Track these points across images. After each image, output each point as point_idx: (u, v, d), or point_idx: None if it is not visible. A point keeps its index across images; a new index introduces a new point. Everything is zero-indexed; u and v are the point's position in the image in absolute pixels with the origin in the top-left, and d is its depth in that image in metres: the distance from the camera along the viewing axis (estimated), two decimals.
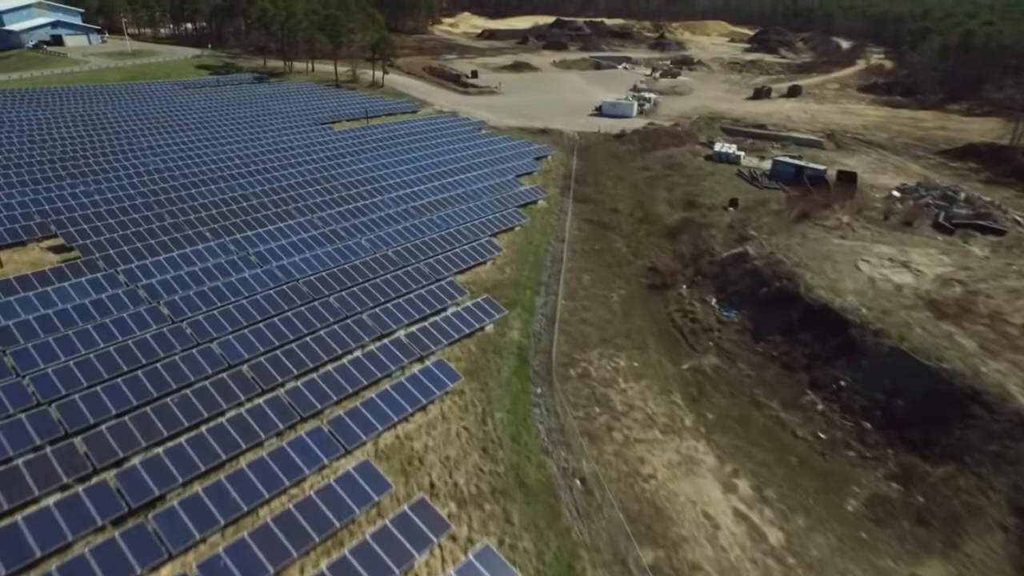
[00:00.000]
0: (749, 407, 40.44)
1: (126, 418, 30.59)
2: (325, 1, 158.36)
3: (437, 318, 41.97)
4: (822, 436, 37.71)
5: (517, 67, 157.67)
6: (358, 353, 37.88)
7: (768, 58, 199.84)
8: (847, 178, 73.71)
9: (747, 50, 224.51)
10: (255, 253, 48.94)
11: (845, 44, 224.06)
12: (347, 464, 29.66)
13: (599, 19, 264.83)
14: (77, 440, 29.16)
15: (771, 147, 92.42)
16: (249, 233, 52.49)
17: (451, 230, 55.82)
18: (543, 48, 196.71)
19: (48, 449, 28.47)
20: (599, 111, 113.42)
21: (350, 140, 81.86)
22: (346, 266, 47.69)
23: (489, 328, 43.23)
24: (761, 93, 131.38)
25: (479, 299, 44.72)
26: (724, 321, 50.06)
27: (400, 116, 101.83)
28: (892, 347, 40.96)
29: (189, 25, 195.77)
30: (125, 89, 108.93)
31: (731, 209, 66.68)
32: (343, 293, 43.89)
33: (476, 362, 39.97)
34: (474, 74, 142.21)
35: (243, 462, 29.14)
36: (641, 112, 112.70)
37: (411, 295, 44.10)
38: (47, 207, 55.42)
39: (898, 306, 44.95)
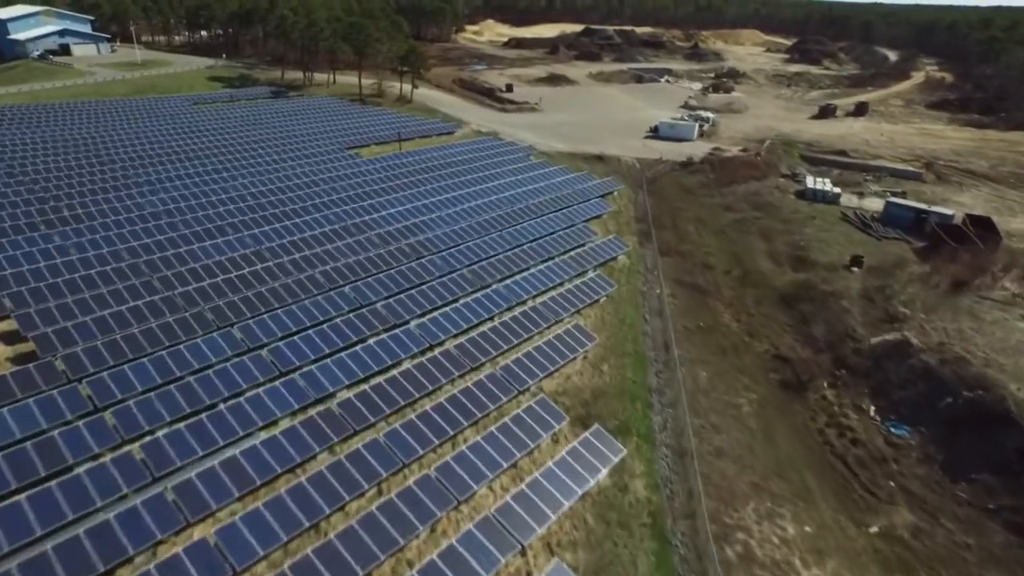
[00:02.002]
0: None
1: None
2: (348, 8, 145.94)
3: (535, 475, 28.57)
4: None
5: (552, 80, 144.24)
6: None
7: (814, 70, 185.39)
8: (982, 225, 59.65)
9: (787, 60, 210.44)
10: (270, 351, 35.74)
11: (891, 55, 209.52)
12: None
13: (628, 27, 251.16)
14: None
15: (864, 180, 78.55)
16: (264, 315, 39.33)
17: (525, 307, 42.47)
18: (575, 59, 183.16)
19: None
20: (655, 132, 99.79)
21: (382, 171, 68.70)
22: (394, 373, 34.44)
23: (604, 478, 29.82)
24: (827, 111, 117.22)
25: (587, 434, 31.25)
26: (897, 444, 36.45)
27: (435, 139, 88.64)
28: None
29: (205, 33, 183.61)
30: (129, 106, 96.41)
31: (856, 270, 52.92)
32: (397, 425, 30.59)
33: (597, 547, 26.57)
34: (509, 88, 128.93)
35: None
36: (701, 134, 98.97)
37: (489, 434, 30.63)
38: (8, 271, 42.57)
39: None
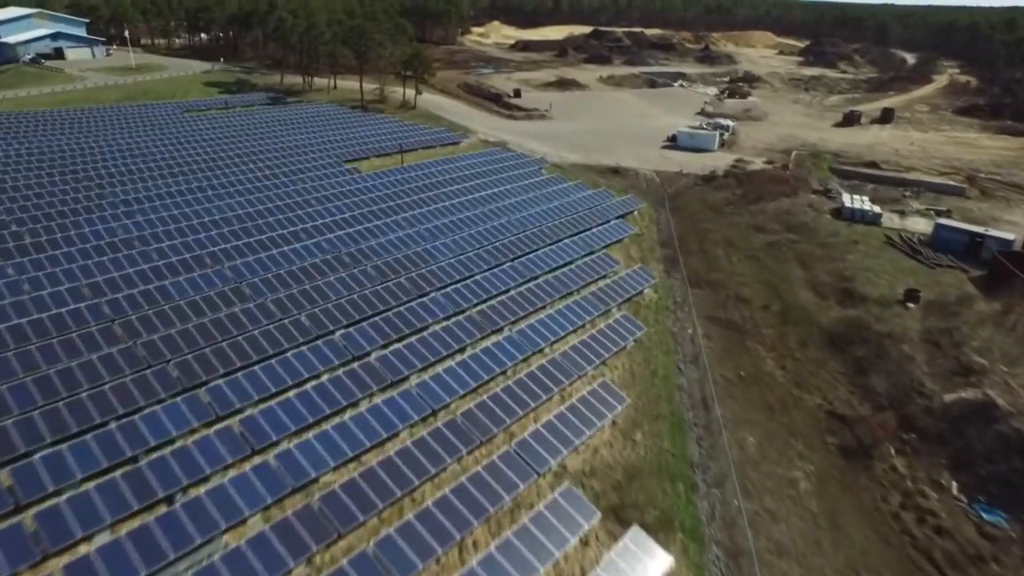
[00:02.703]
0: None
1: None
2: (350, 10, 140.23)
3: None
4: None
5: (562, 84, 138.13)
6: None
7: (831, 73, 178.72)
8: None
9: (801, 63, 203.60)
10: (242, 421, 29.85)
11: (909, 57, 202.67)
12: None
13: (638, 29, 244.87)
14: None
15: (903, 196, 72.23)
16: (239, 372, 33.48)
17: (544, 359, 36.44)
18: (584, 62, 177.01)
19: None
20: (672, 142, 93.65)
21: (382, 189, 62.76)
22: (390, 453, 28.53)
23: None
24: (851, 118, 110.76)
25: (625, 539, 25.23)
26: (992, 536, 30.29)
27: (440, 150, 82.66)
28: None
29: (205, 36, 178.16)
30: (117, 114, 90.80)
31: (912, 306, 46.74)
32: (392, 530, 24.66)
33: None
34: (517, 93, 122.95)
35: None
36: (722, 144, 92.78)
37: (505, 541, 24.62)
38: None
39: None
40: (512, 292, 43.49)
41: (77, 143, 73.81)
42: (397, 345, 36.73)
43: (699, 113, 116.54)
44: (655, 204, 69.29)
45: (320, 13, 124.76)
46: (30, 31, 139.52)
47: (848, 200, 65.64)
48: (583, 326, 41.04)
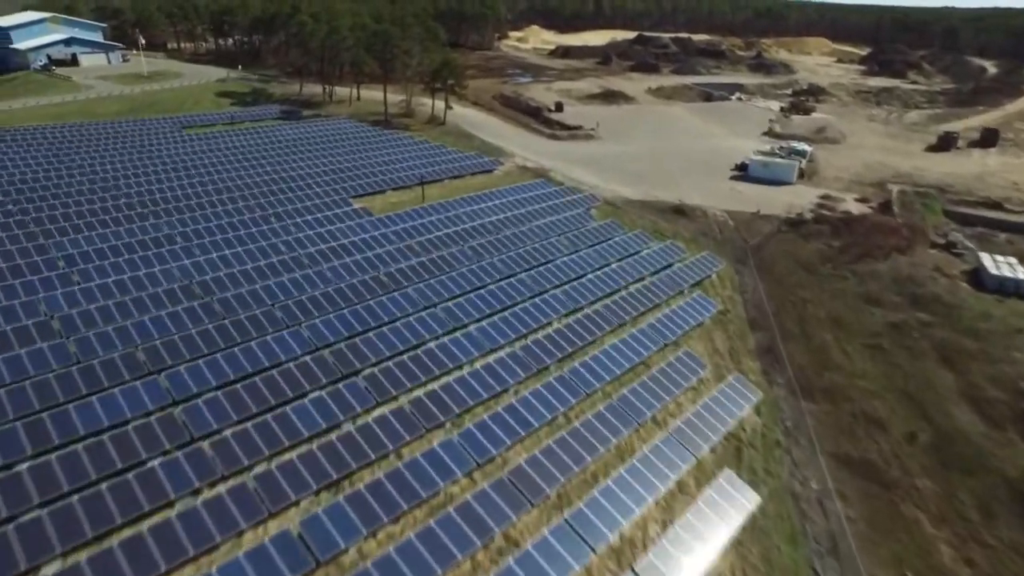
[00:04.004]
0: None
1: None
2: (377, 14, 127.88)
3: None
4: None
5: (608, 97, 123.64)
6: None
7: (903, 85, 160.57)
8: None
9: (864, 73, 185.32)
10: None
11: (988, 65, 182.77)
12: None
13: (684, 35, 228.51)
14: None
15: None
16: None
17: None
18: (630, 70, 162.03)
19: None
20: (742, 172, 78.77)
21: (393, 241, 49.62)
22: None
23: None
24: (947, 142, 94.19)
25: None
26: None
27: (470, 180, 69.30)
28: None
29: (230, 41, 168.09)
30: (107, 131, 79.56)
31: None
32: None
33: None
34: (558, 107, 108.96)
35: None
36: (801, 175, 77.63)
37: None
38: None
39: None
40: (567, 433, 29.68)
41: (43, 170, 62.30)
42: (412, 507, 23.36)
43: (765, 133, 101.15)
44: (733, 259, 54.81)
45: (344, 17, 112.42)
46: (43, 36, 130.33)
47: (990, 263, 50.27)
48: (672, 497, 27.14)
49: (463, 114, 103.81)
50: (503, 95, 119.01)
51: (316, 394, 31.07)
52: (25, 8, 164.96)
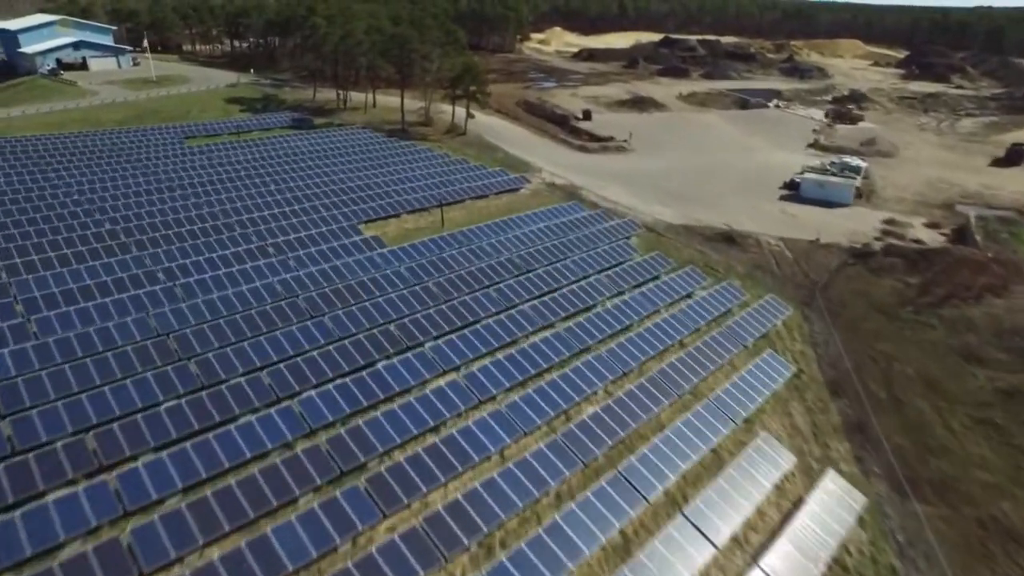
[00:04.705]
0: None
1: None
2: (395, 15, 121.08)
3: None
4: None
5: (637, 103, 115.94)
6: None
7: (950, 90, 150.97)
8: None
9: (903, 77, 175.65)
10: None
11: None
12: None
13: (712, 37, 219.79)
14: None
15: None
16: None
17: None
18: (658, 74, 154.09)
19: None
20: (791, 190, 71.01)
21: (410, 279, 42.70)
22: None
23: None
24: (1017, 155, 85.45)
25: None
26: None
27: (494, 200, 62.24)
28: None
29: (244, 44, 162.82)
30: (102, 142, 73.57)
31: None
32: None
33: None
34: (586, 115, 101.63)
35: None
36: (858, 194, 69.65)
37: None
38: None
39: None
40: (624, 573, 22.44)
41: (25, 189, 56.11)
42: None
43: (811, 145, 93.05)
44: (798, 301, 47.16)
45: (360, 19, 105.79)
46: (52, 39, 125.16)
47: None
48: None
49: (485, 122, 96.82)
50: (527, 101, 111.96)
51: (306, 509, 24.17)
52: (41, 11, 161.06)
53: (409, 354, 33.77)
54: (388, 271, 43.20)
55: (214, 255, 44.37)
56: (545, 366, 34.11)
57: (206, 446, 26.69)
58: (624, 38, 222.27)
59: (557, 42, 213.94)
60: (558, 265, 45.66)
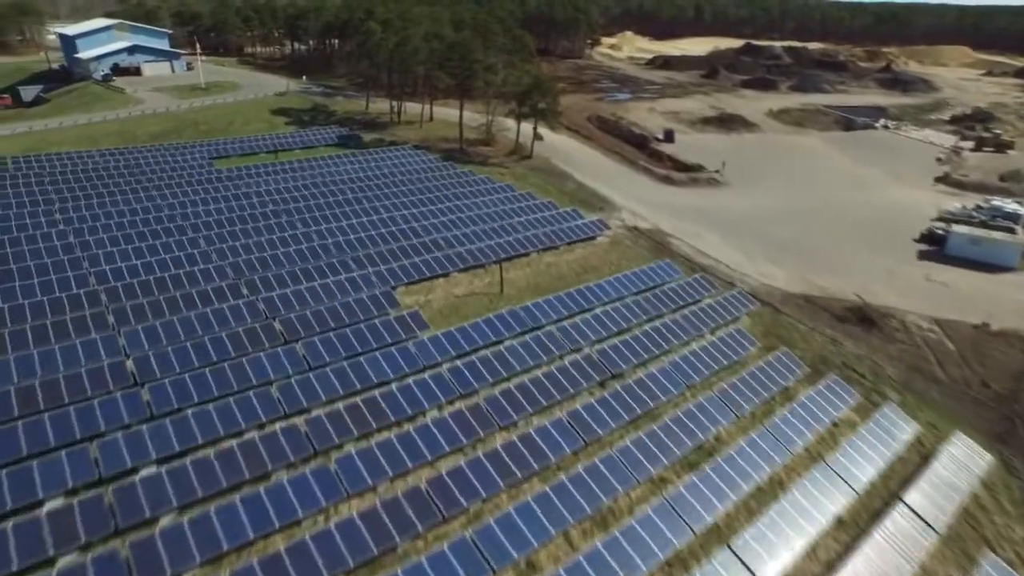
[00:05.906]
0: None
1: None
2: (459, 20, 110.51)
3: None
4: None
5: (724, 123, 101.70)
6: None
7: None
8: None
9: None
10: None
11: None
12: None
13: (797, 44, 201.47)
14: None
15: None
16: None
17: None
18: (742, 86, 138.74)
19: None
20: (932, 244, 56.50)
21: (460, 383, 31.34)
22: None
23: None
24: None
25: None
26: None
27: (565, 253, 50.21)
28: None
29: (303, 47, 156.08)
30: (130, 161, 65.66)
31: None
32: None
33: None
34: (668, 136, 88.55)
35: None
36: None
37: None
38: None
39: None
40: None
41: (12, 228, 47.55)
42: None
43: (940, 180, 77.35)
44: (986, 431, 33.43)
45: (418, 24, 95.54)
46: (109, 44, 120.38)
47: None
48: None
49: (554, 143, 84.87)
50: (600, 117, 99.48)
51: None
52: (107, 15, 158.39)
53: (446, 548, 22.28)
54: (426, 375, 31.83)
55: (205, 339, 33.96)
56: (659, 560, 22.07)
57: None
58: (700, 44, 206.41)
59: (629, 48, 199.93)
60: (652, 370, 33.36)
